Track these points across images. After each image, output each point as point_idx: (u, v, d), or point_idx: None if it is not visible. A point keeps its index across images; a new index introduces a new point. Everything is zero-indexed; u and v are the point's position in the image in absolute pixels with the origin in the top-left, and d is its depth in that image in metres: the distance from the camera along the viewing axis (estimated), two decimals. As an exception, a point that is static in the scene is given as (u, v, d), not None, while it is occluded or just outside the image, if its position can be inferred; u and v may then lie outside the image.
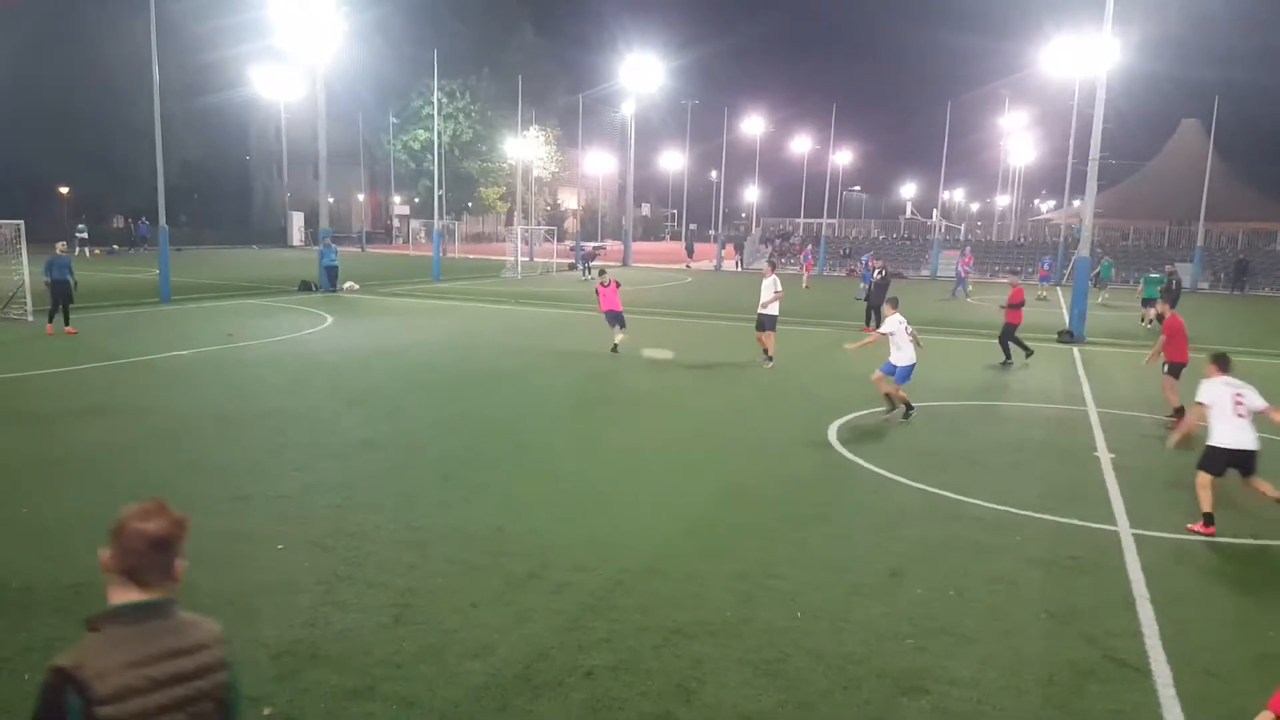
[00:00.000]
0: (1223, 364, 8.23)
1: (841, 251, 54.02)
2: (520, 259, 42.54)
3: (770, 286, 16.28)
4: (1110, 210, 56.68)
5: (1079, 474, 9.82)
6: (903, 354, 12.00)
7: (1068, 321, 22.58)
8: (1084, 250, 23.62)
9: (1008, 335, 17.47)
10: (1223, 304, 36.49)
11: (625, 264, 52.02)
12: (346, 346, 17.62)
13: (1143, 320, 24.56)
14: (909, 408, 12.09)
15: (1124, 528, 7.98)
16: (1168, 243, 51.81)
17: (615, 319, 17.54)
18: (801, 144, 71.36)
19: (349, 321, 21.80)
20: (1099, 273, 34.43)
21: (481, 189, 78.99)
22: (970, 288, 36.68)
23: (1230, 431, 7.87)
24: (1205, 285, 45.03)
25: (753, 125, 65.57)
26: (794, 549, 7.30)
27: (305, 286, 29.15)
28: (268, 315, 22.35)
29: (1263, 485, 7.99)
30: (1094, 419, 12.68)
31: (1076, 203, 42.10)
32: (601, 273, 18.84)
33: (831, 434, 11.22)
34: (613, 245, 67.52)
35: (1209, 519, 7.83)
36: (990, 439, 11.47)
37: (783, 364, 16.16)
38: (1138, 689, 5.20)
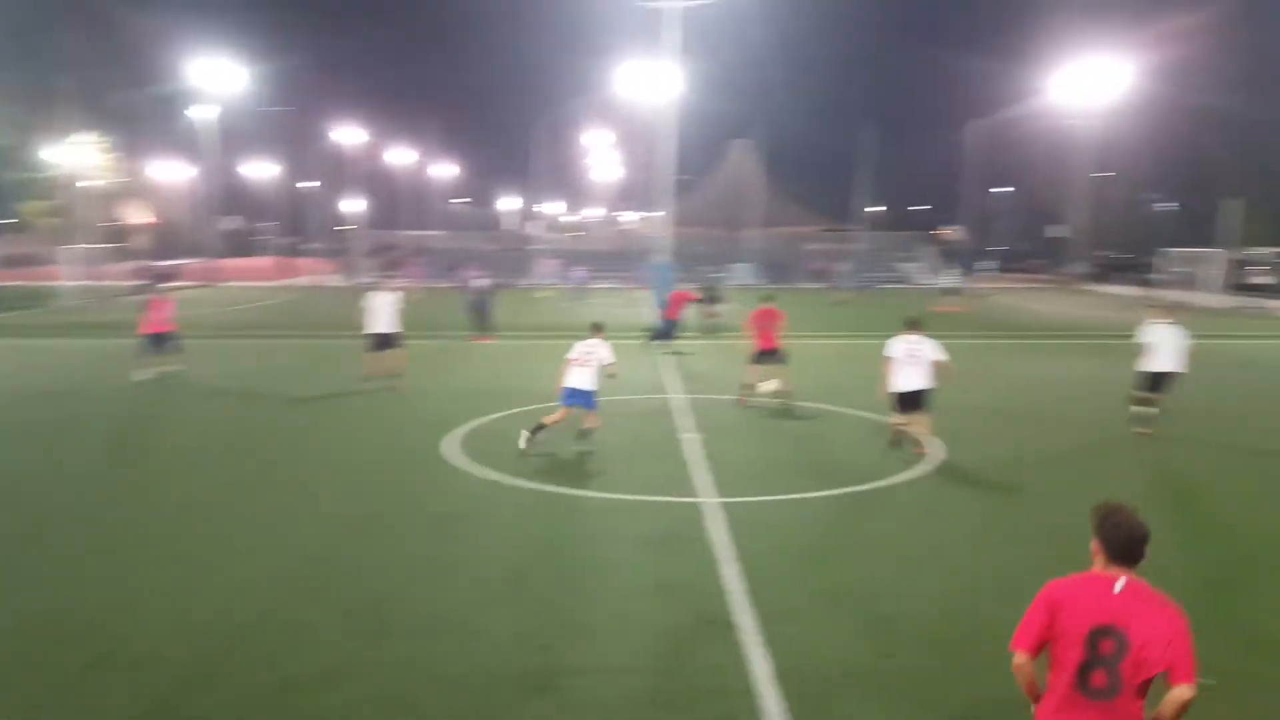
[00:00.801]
0: (913, 326, 10.79)
1: (449, 264, 54.19)
2: (77, 283, 36.83)
3: (393, 304, 15.96)
4: (683, 219, 63.42)
5: (672, 456, 10.84)
6: (570, 376, 10.88)
7: (656, 320, 24.77)
8: (663, 257, 26.17)
9: (670, 330, 20.67)
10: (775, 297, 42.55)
11: (212, 283, 47.40)
12: None
13: (708, 318, 27.72)
14: (537, 429, 10.80)
15: (711, 499, 8.97)
16: (731, 247, 59.23)
17: (161, 343, 15.73)
18: (402, 156, 70.42)
19: None
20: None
21: (23, 203, 66.96)
22: (549, 292, 39.05)
23: (904, 377, 10.45)
24: (760, 283, 52.23)
25: (349, 136, 63.32)
26: (418, 570, 7.18)
27: None
28: None
29: (918, 425, 10.54)
30: (681, 405, 14.10)
31: (656, 213, 46.54)
32: (157, 289, 16.75)
33: (449, 447, 11.20)
34: (195, 263, 61.09)
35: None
36: (597, 433, 12.20)
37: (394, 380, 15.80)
38: (731, 643, 5.87)
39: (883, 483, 9.64)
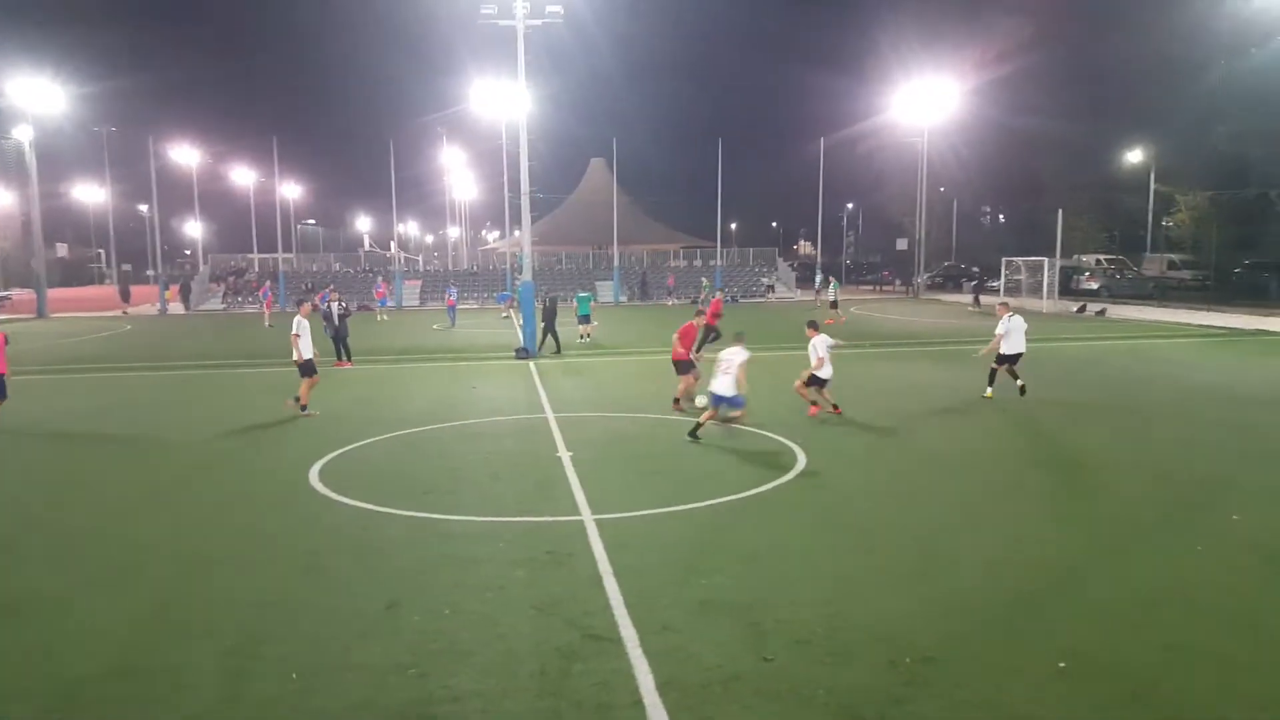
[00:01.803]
0: (814, 327, 14.14)
1: (303, 286, 52.17)
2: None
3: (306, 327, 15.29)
4: (545, 238, 63.40)
5: (547, 475, 10.76)
6: (714, 383, 12.40)
7: (522, 339, 24.63)
8: (527, 275, 26.02)
9: (707, 336, 22.05)
10: (638, 312, 43.12)
11: (41, 315, 43.91)
12: None
13: (580, 337, 27.72)
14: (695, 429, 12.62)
15: (587, 516, 8.96)
16: (593, 264, 59.52)
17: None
18: (244, 177, 67.33)
19: None
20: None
21: None
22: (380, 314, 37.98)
23: (829, 368, 13.79)
24: (625, 298, 52.74)
25: (185, 156, 60.04)
26: (285, 607, 6.82)
27: None
28: None
29: (827, 396, 13.93)
30: (553, 424, 14.03)
31: (517, 233, 46.39)
32: None
33: (314, 477, 10.74)
34: (21, 294, 56.45)
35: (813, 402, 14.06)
36: (469, 455, 12.01)
37: (254, 408, 15.06)
38: (614, 657, 5.86)
39: (757, 490, 9.87)
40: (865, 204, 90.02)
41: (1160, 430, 13.29)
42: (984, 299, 42.18)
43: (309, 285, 51.91)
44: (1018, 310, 16.46)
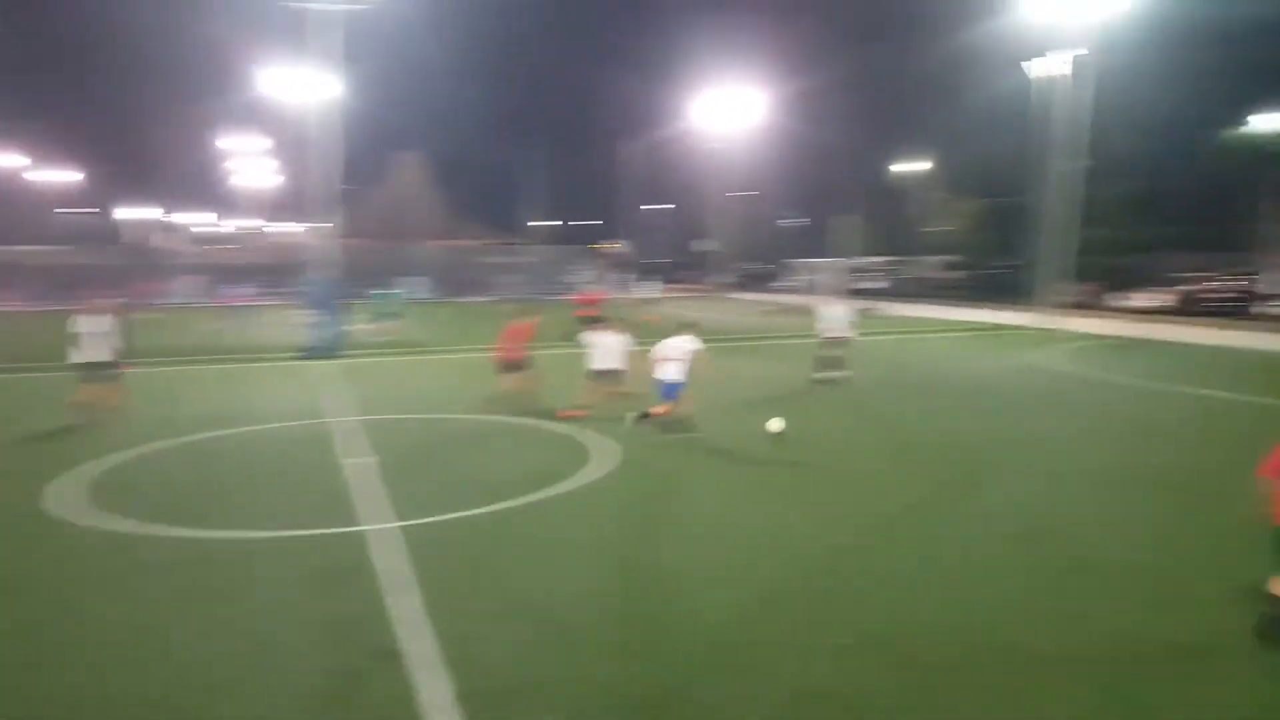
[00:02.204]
0: (605, 322, 14.04)
1: (71, 281, 46.96)
2: None
3: (107, 328, 13.40)
4: (349, 231, 60.45)
5: (337, 482, 10.04)
6: (669, 370, 12.43)
7: (310, 339, 23.07)
8: (324, 270, 24.59)
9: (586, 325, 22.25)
10: (445, 310, 42.00)
11: None
12: None
13: (380, 335, 26.61)
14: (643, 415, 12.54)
15: (383, 524, 8.41)
16: (398, 259, 57.45)
17: None
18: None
19: None
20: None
21: None
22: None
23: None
24: (431, 295, 51.28)
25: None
26: (27, 645, 5.93)
27: None
28: None
29: (622, 388, 13.19)
30: (347, 427, 13.24)
31: (318, 225, 43.75)
32: None
33: (67, 496, 9.45)
34: None
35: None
36: (251, 465, 11.08)
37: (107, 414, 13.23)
38: (408, 672, 5.46)
39: (564, 489, 9.67)
40: (674, 204, 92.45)
41: (920, 416, 14.30)
42: (781, 298, 44.26)
43: (76, 280, 46.79)
44: (820, 304, 18.18)
